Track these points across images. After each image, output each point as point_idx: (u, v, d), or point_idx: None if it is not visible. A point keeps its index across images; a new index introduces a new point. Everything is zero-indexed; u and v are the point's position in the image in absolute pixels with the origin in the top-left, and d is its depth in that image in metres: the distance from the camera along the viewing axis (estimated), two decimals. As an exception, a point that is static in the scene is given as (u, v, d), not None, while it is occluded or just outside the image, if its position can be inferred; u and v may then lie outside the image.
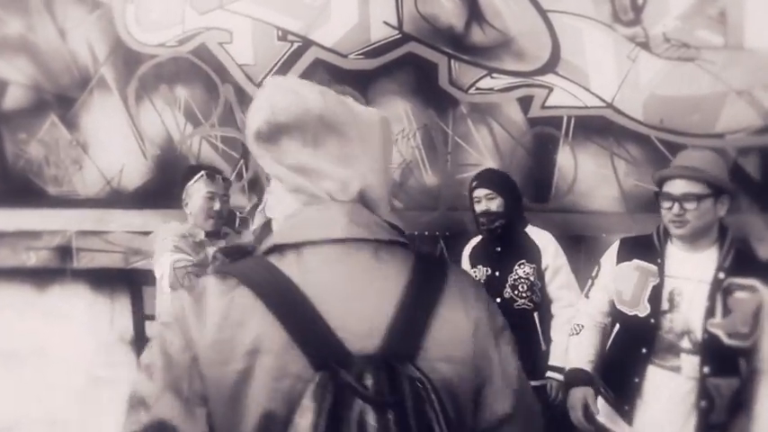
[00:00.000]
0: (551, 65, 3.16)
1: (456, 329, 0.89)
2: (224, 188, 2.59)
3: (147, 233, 3.40)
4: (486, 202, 2.63)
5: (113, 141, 3.47)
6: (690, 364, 1.97)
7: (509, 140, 3.23)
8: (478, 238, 2.82)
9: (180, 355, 0.84)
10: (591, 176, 3.17)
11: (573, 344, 2.31)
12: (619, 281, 2.16)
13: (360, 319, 0.85)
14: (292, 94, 0.95)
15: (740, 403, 1.92)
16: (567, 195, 3.20)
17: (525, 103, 3.20)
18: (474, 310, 0.92)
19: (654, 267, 2.06)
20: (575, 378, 2.24)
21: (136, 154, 3.47)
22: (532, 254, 2.61)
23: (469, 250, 2.84)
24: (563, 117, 3.17)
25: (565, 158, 3.19)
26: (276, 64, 3.31)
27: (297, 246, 0.90)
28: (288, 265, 0.88)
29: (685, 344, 1.98)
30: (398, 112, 3.29)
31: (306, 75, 3.29)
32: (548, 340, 2.61)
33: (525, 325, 2.58)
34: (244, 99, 3.36)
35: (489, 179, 2.69)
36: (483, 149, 3.27)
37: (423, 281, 0.90)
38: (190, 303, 0.87)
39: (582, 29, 3.13)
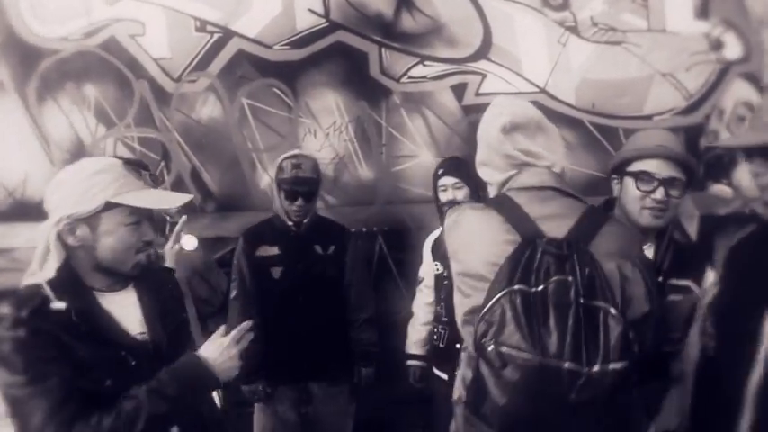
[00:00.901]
0: (483, 51, 3.12)
1: (607, 251, 1.40)
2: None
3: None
4: (453, 191, 2.47)
5: (13, 147, 3.13)
6: None
7: (444, 129, 3.17)
8: (439, 231, 2.64)
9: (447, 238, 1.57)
10: (528, 163, 3.14)
11: None
12: None
13: (553, 223, 1.43)
14: (521, 106, 1.61)
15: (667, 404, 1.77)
16: (506, 183, 3.16)
17: (459, 90, 3.15)
18: (617, 247, 1.43)
19: None
20: None
21: (41, 160, 3.14)
22: None
23: (431, 243, 2.68)
24: (497, 104, 3.12)
25: (501, 146, 3.13)
26: (195, 57, 3.08)
27: (519, 189, 1.52)
28: (515, 196, 1.50)
29: None
30: (329, 105, 3.15)
31: (229, 67, 3.09)
32: None
33: None
34: (161, 96, 3.10)
35: (457, 168, 2.51)
36: (418, 140, 3.18)
37: (591, 217, 1.47)
38: (457, 216, 1.55)
39: (512, 14, 3.11)
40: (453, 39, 3.12)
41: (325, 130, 3.17)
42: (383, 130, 3.17)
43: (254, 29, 3.07)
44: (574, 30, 3.12)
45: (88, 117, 3.12)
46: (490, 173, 1.62)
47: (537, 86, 3.14)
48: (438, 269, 2.59)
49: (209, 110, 3.13)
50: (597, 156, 3.16)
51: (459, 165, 2.53)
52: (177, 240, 2.01)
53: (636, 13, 3.13)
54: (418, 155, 3.17)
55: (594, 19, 3.12)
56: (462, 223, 1.53)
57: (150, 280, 1.57)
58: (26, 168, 3.15)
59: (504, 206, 1.48)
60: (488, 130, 1.59)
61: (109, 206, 1.42)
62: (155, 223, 1.60)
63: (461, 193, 2.46)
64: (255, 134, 3.16)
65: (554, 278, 1.30)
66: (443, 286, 2.57)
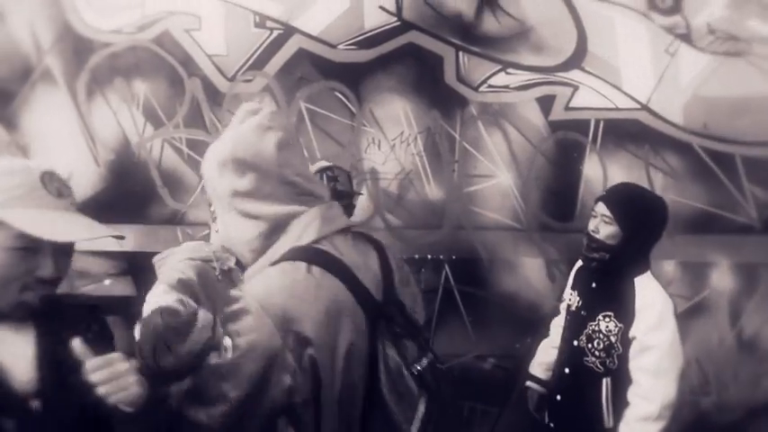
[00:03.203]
0: (576, 59, 2.77)
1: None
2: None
3: (95, 252, 2.91)
4: (600, 224, 2.05)
5: (60, 144, 2.97)
6: None
7: (527, 147, 2.83)
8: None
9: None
10: (623, 190, 2.74)
11: None
12: None
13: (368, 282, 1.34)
14: None
15: None
16: (595, 212, 2.77)
17: (546, 103, 2.81)
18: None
19: None
20: None
21: (86, 159, 2.98)
22: (625, 311, 2.03)
23: (576, 269, 2.30)
24: (590, 120, 2.79)
25: (592, 169, 2.80)
26: (252, 55, 2.85)
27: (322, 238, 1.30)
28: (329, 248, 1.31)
29: None
30: (396, 113, 2.85)
31: (287, 67, 2.85)
32: (617, 419, 2.05)
33: (590, 388, 2.07)
34: (214, 95, 2.89)
35: (617, 199, 2.06)
36: (496, 158, 2.84)
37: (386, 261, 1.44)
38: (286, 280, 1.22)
39: (612, 17, 2.74)
40: (542, 44, 2.77)
41: (390, 141, 2.87)
42: (456, 144, 2.85)
43: (318, 26, 2.82)
44: (686, 38, 2.71)
45: (136, 115, 2.93)
46: (266, 205, 1.27)
47: (638, 102, 2.74)
48: (570, 300, 2.22)
49: (264, 113, 2.88)
50: (708, 187, 2.73)
51: (623, 196, 2.07)
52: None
53: (765, 18, 2.67)
54: (495, 175, 2.83)
55: (712, 25, 2.69)
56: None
57: (60, 318, 1.22)
58: (71, 167, 2.94)
59: (333, 264, 1.26)
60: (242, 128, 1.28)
61: None
62: (65, 258, 1.19)
63: (607, 231, 2.02)
64: (313, 141, 2.89)
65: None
66: (574, 319, 2.18)
